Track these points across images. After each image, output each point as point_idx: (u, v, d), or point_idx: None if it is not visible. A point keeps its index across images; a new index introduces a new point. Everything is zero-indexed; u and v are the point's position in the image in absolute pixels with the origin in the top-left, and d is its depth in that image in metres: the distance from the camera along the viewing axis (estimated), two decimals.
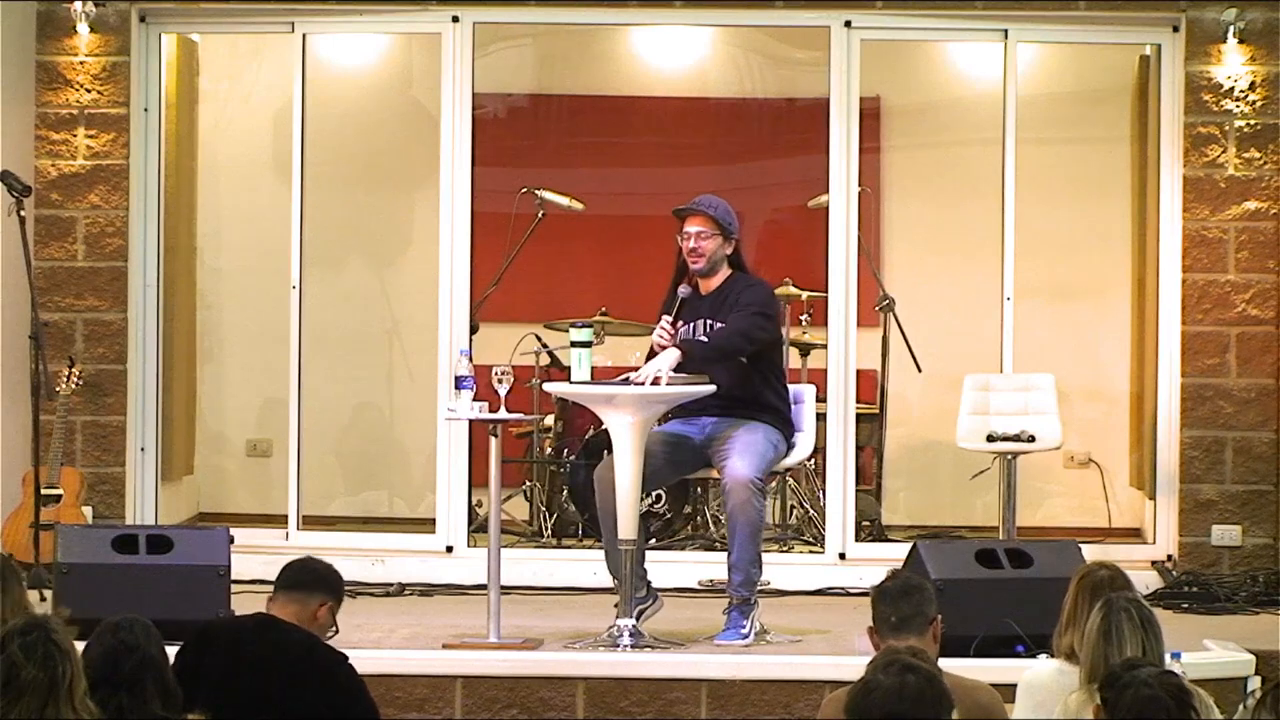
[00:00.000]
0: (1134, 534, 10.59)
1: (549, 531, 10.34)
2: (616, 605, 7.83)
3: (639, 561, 7.92)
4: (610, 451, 7.84)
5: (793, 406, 8.16)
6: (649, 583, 8.02)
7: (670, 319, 7.94)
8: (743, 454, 7.84)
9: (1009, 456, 9.38)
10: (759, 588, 8.06)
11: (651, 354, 7.92)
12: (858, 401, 10.01)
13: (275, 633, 5.50)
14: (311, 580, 5.71)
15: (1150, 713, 4.34)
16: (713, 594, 8.62)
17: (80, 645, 4.71)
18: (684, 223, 8.06)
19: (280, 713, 5.37)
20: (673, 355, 7.77)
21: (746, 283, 8.08)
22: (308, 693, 5.41)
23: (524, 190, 10.78)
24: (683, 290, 8.01)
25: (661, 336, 7.92)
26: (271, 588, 5.78)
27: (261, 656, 5.42)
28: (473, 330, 9.98)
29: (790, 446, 8.11)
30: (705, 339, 7.90)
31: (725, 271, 8.07)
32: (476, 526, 9.90)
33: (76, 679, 4.45)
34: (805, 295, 10.57)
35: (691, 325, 8.03)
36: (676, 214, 8.10)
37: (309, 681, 5.43)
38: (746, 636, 7.86)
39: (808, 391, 8.24)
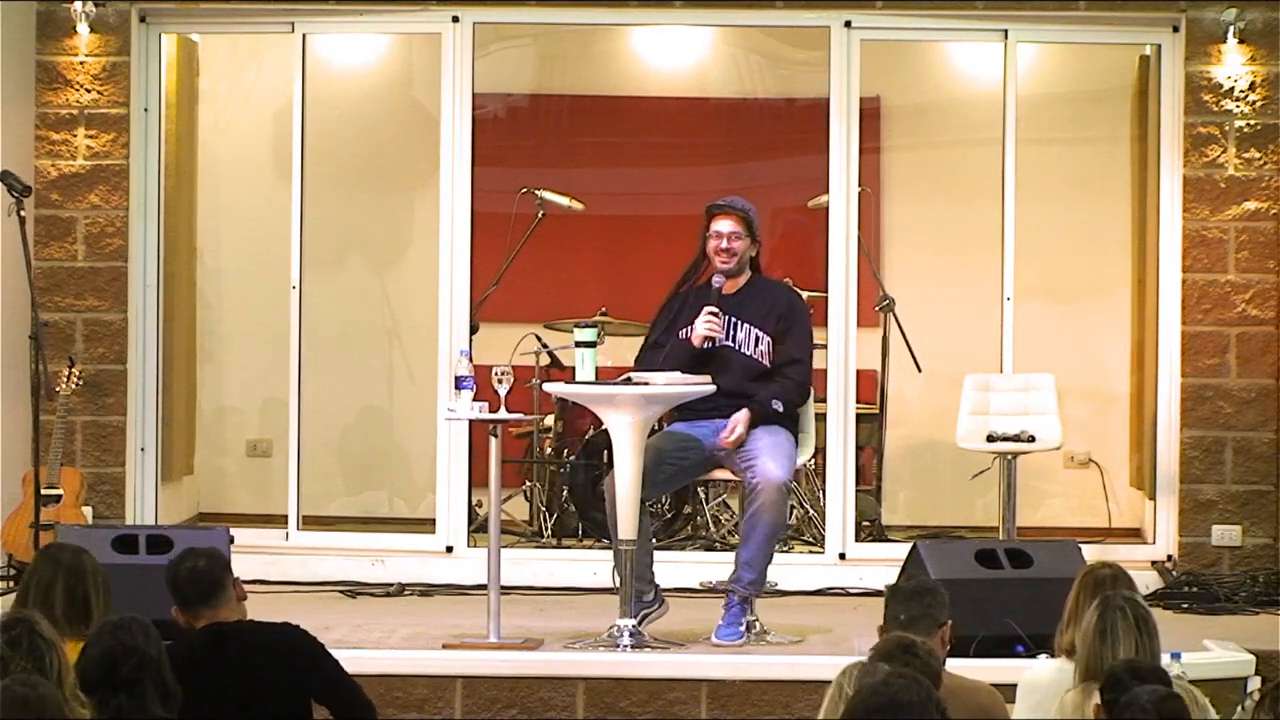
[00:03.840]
0: (1134, 534, 10.58)
1: (549, 531, 10.34)
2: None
3: (648, 565, 7.94)
4: (611, 452, 7.85)
5: None
6: (656, 586, 8.02)
7: (716, 310, 7.97)
8: (773, 456, 7.84)
9: (1009, 456, 9.38)
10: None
11: (677, 344, 7.98)
12: (858, 401, 10.01)
13: (226, 644, 5.48)
14: (218, 581, 5.62)
15: None
16: (713, 594, 8.61)
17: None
18: (713, 220, 8.07)
19: (263, 710, 5.39)
20: (744, 415, 7.89)
21: (787, 294, 8.23)
22: (282, 686, 5.42)
23: (524, 190, 10.78)
24: (716, 280, 8.03)
25: (712, 327, 7.95)
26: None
27: (224, 670, 5.40)
28: (473, 330, 9.98)
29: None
30: (778, 403, 7.94)
31: (746, 272, 8.11)
32: (476, 526, 9.90)
33: (65, 670, 4.47)
34: (805, 295, 10.54)
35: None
36: (709, 211, 8.10)
37: (278, 673, 5.44)
38: (743, 636, 7.87)
39: None
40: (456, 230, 9.91)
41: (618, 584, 7.84)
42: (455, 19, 9.90)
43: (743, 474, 7.93)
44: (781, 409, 7.95)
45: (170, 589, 5.56)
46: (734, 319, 8.05)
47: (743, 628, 7.88)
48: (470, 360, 7.95)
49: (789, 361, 8.02)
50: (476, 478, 9.74)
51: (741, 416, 7.89)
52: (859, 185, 9.90)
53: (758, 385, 8.01)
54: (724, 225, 8.06)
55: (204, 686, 5.28)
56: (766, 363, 8.04)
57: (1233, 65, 9.72)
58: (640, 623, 7.84)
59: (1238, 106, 9.72)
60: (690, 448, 8.01)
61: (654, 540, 8.23)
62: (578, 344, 7.87)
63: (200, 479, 11.17)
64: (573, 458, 10.33)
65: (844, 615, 8.74)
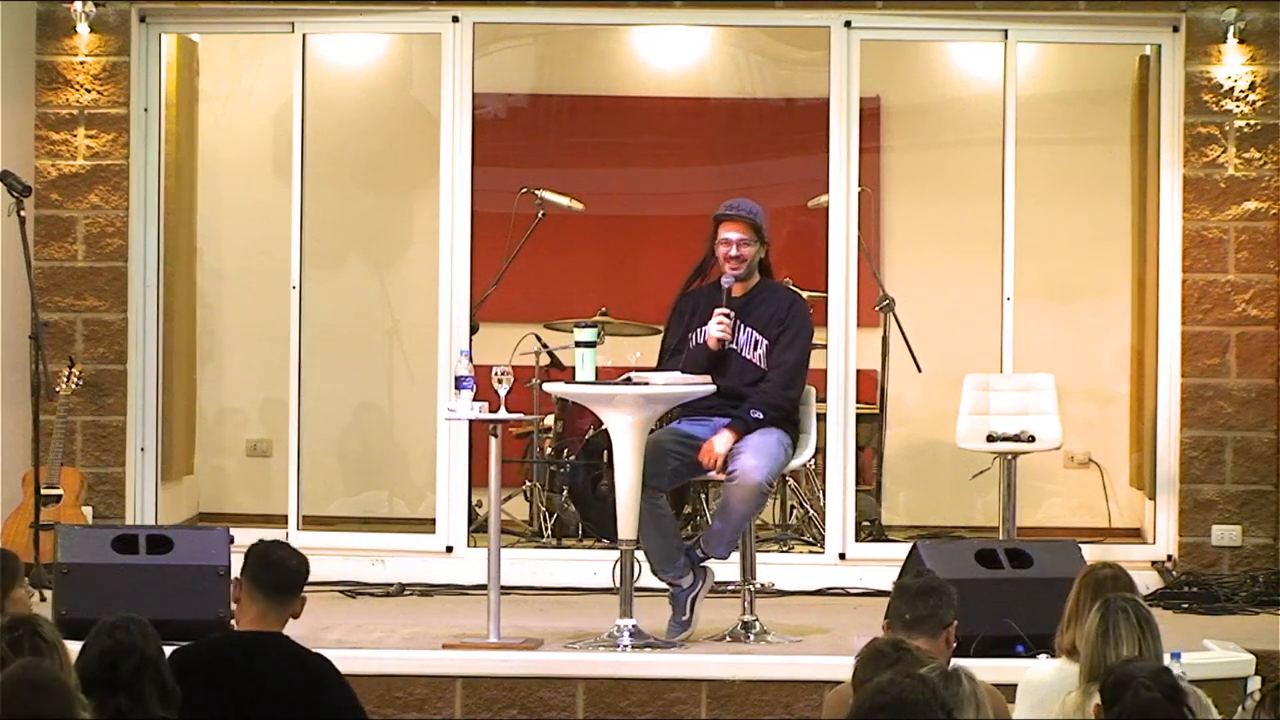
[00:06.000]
0: (1134, 534, 10.59)
1: (549, 531, 10.34)
2: (670, 597, 7.98)
3: (676, 548, 7.98)
4: (611, 452, 7.86)
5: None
6: (692, 560, 8.01)
7: (728, 311, 7.98)
8: (757, 454, 7.85)
9: (1009, 456, 9.38)
10: (758, 587, 8.13)
11: (696, 349, 8.00)
12: (858, 401, 10.01)
13: (259, 654, 5.44)
14: (293, 585, 5.58)
15: (1150, 714, 4.34)
16: (713, 594, 8.62)
17: (76, 645, 4.73)
18: (721, 226, 8.07)
19: None
20: (727, 438, 7.88)
21: (791, 301, 8.20)
22: (299, 710, 5.40)
23: (524, 190, 10.78)
24: (725, 281, 8.03)
25: (723, 329, 7.96)
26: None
27: (248, 682, 5.35)
28: (473, 330, 9.98)
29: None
30: (757, 412, 7.93)
31: (755, 275, 8.12)
32: (476, 526, 9.90)
33: (67, 673, 4.46)
34: (805, 295, 10.55)
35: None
36: (717, 218, 8.09)
37: (303, 701, 5.41)
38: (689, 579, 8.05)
39: (807, 393, 8.25)
40: (456, 230, 9.91)
41: (618, 584, 7.85)
42: (455, 19, 9.90)
43: (727, 469, 7.96)
44: (762, 416, 7.93)
45: (250, 559, 5.50)
46: (739, 322, 8.06)
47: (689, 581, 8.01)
48: (470, 360, 7.95)
49: (774, 365, 8.03)
50: (476, 478, 9.74)
51: (722, 439, 7.90)
52: (859, 185, 9.90)
53: (753, 389, 8.02)
54: (733, 233, 8.05)
55: (223, 692, 5.26)
56: (764, 366, 8.05)
57: (1233, 65, 9.72)
58: (692, 607, 7.92)
59: (1238, 106, 9.72)
60: (693, 446, 8.01)
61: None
62: (578, 344, 7.87)
63: (200, 479, 11.17)
64: (573, 458, 10.33)
65: (844, 615, 8.73)
